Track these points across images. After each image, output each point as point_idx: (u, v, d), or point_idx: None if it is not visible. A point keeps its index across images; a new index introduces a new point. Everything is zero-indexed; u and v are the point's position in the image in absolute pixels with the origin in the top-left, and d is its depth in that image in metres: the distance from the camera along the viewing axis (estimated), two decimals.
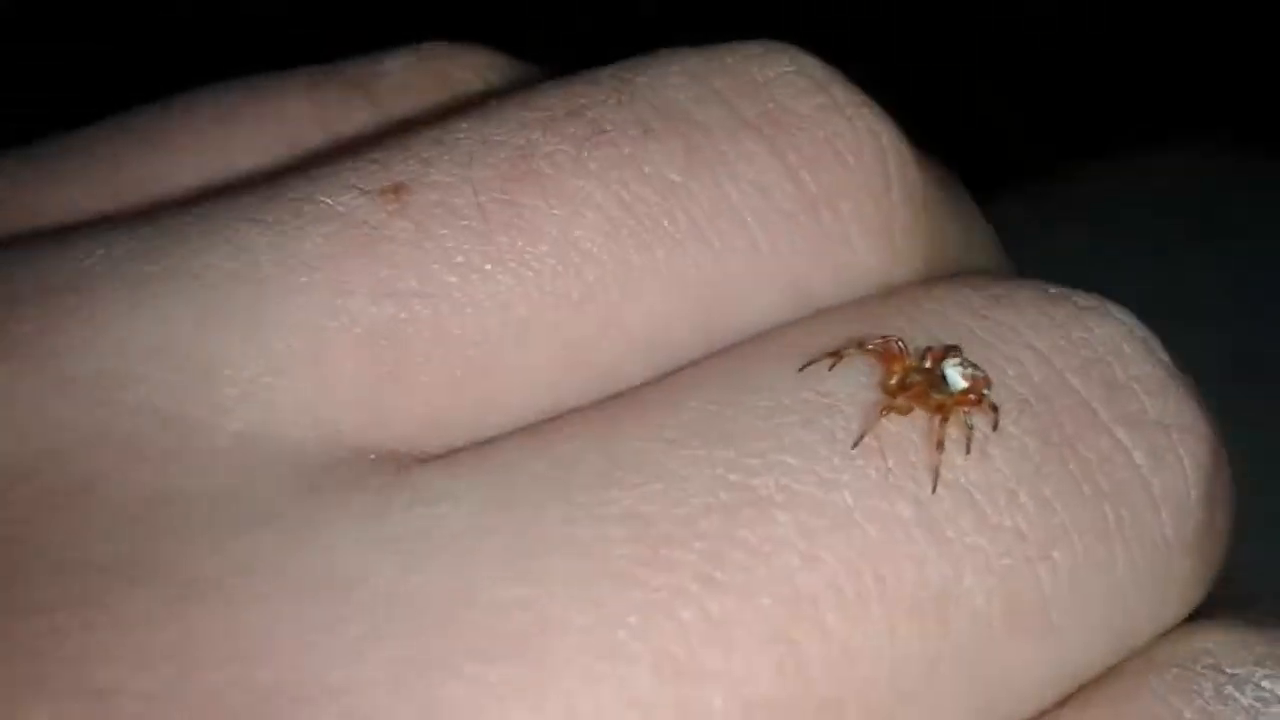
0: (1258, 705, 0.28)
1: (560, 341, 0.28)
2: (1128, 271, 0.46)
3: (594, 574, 0.25)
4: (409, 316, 0.27)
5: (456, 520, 0.25)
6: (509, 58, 0.36)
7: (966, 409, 0.27)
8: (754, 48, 0.31)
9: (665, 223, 0.29)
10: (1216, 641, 0.29)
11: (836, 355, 0.28)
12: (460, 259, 0.28)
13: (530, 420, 0.28)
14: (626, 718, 0.24)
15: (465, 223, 0.28)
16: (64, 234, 0.30)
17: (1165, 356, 0.29)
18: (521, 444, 0.27)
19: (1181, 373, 0.29)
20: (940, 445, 0.27)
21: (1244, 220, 0.69)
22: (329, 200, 0.28)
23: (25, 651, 0.24)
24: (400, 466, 0.26)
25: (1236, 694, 0.28)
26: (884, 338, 0.28)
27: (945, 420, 0.27)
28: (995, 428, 0.27)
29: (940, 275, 0.31)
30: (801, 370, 0.27)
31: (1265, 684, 0.28)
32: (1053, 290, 0.30)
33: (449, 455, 0.27)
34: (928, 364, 0.28)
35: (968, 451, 0.27)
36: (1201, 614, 0.29)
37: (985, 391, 0.27)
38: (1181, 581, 0.28)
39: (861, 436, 0.26)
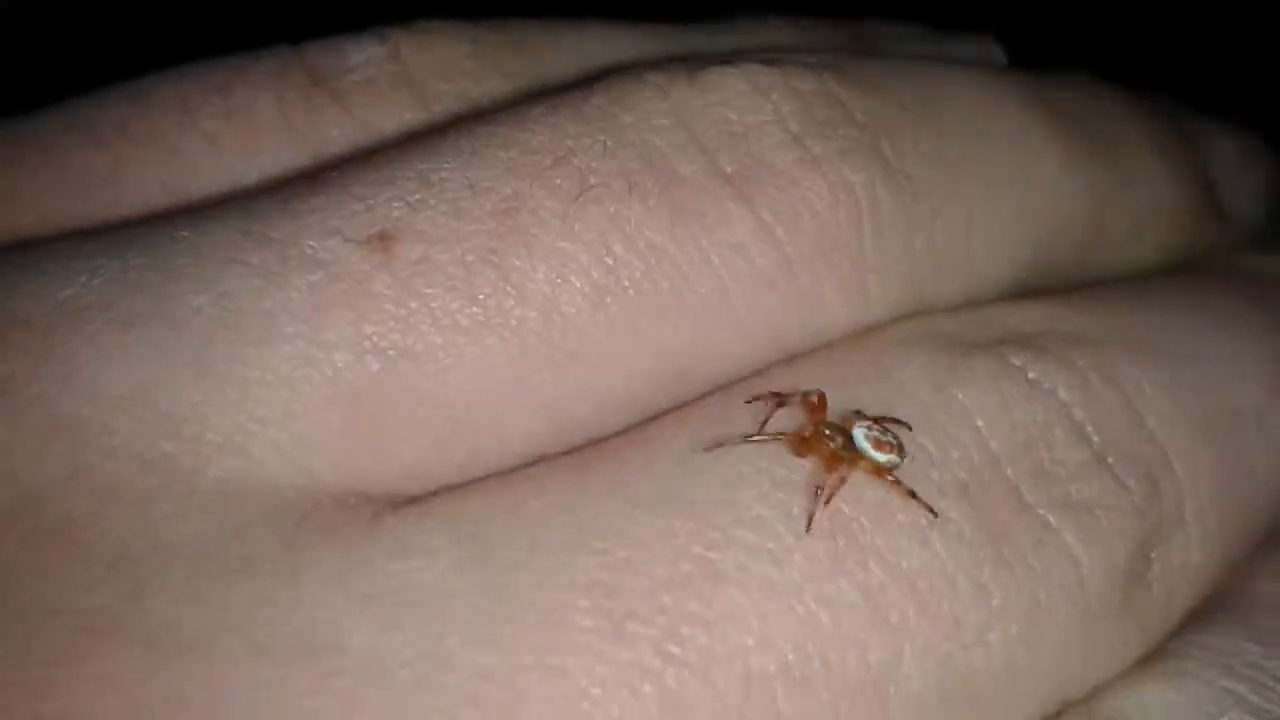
0: None
1: (542, 402, 0.29)
2: None
3: (561, 646, 0.25)
4: (393, 375, 0.27)
5: (430, 577, 0.25)
6: (495, 33, 0.35)
7: (882, 478, 0.28)
8: (738, 85, 0.31)
9: (648, 288, 0.29)
10: (1153, 699, 0.30)
11: (756, 398, 0.29)
12: (446, 320, 0.28)
13: (507, 467, 0.28)
14: None
15: (452, 282, 0.28)
16: (40, 252, 0.29)
17: (1098, 437, 0.30)
18: (494, 498, 0.27)
19: (1118, 445, 0.30)
20: (822, 495, 0.27)
21: None
22: (314, 245, 0.28)
23: (17, 711, 0.24)
24: (376, 513, 0.26)
25: None
26: (803, 394, 0.29)
27: (835, 475, 0.28)
28: (935, 515, 0.28)
29: (917, 311, 0.32)
30: (708, 450, 0.27)
31: None
32: (1014, 360, 0.30)
33: (424, 501, 0.27)
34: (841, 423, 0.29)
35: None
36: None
37: (897, 462, 0.28)
38: (1113, 645, 0.30)
39: (810, 520, 0.27)
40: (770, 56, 0.32)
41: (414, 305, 0.27)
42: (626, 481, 0.27)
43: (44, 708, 0.23)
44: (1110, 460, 0.30)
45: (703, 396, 0.29)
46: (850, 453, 0.28)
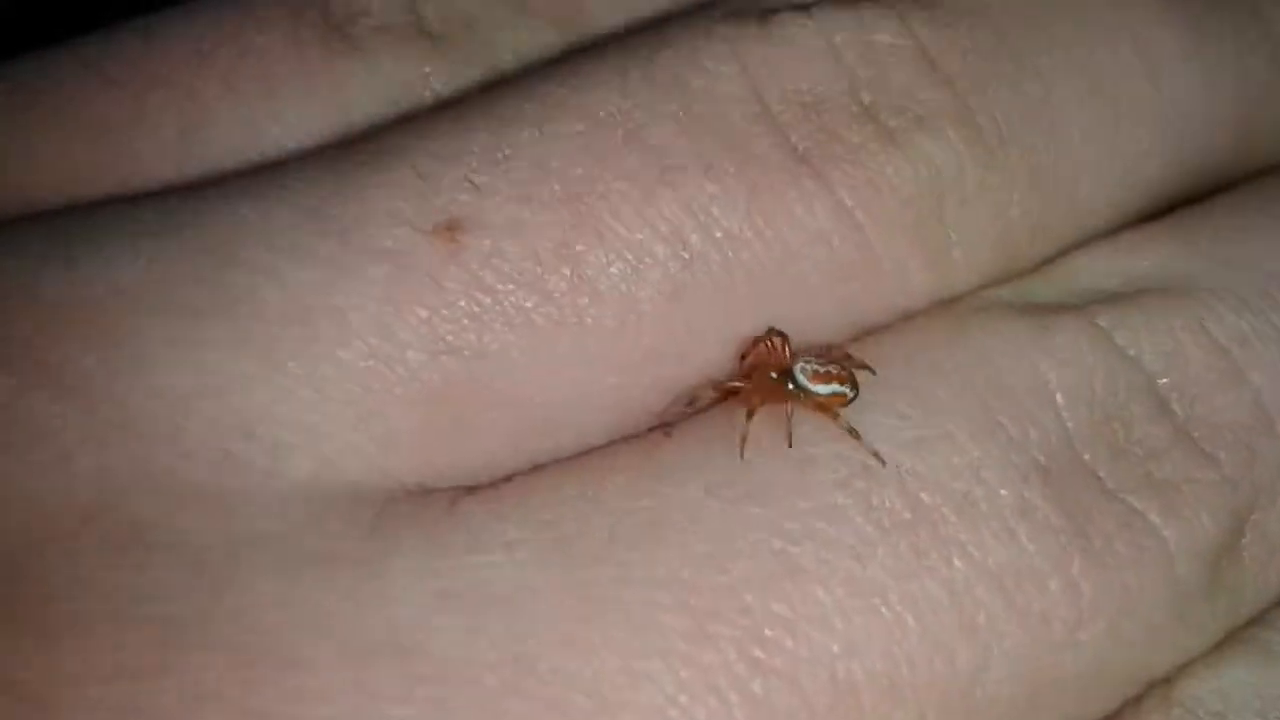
0: None
1: (616, 399, 0.28)
2: None
3: (645, 650, 0.25)
4: (468, 375, 0.27)
5: (511, 573, 0.25)
6: None
7: (827, 414, 0.27)
8: (811, 42, 0.29)
9: (725, 280, 0.28)
10: (1233, 680, 0.29)
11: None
12: (520, 319, 0.27)
13: (579, 451, 0.27)
14: None
15: (524, 278, 0.27)
16: (89, 222, 0.28)
17: (1184, 408, 0.29)
18: (568, 486, 0.26)
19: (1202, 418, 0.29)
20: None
21: None
22: (381, 234, 0.27)
23: None
24: (453, 500, 0.26)
25: None
26: (756, 340, 0.28)
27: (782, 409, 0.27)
28: (883, 462, 0.26)
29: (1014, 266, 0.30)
30: (666, 416, 0.27)
31: None
32: (1101, 322, 0.29)
33: (498, 488, 0.26)
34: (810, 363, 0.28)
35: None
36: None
37: (843, 393, 0.27)
38: (1202, 622, 0.28)
39: (741, 445, 0.26)
40: None
41: (487, 302, 0.26)
42: (700, 466, 0.26)
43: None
44: (1196, 434, 0.28)
45: None
46: (793, 391, 0.27)
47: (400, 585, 0.24)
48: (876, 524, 0.26)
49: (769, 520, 0.25)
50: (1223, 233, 0.31)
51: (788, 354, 0.27)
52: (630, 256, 0.27)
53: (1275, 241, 0.31)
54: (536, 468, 0.27)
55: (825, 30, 0.29)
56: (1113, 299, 0.29)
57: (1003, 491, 0.26)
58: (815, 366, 0.27)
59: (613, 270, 0.27)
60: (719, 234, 0.27)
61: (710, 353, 0.28)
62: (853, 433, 0.26)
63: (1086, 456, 0.27)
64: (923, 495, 0.26)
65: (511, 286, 0.26)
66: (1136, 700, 0.28)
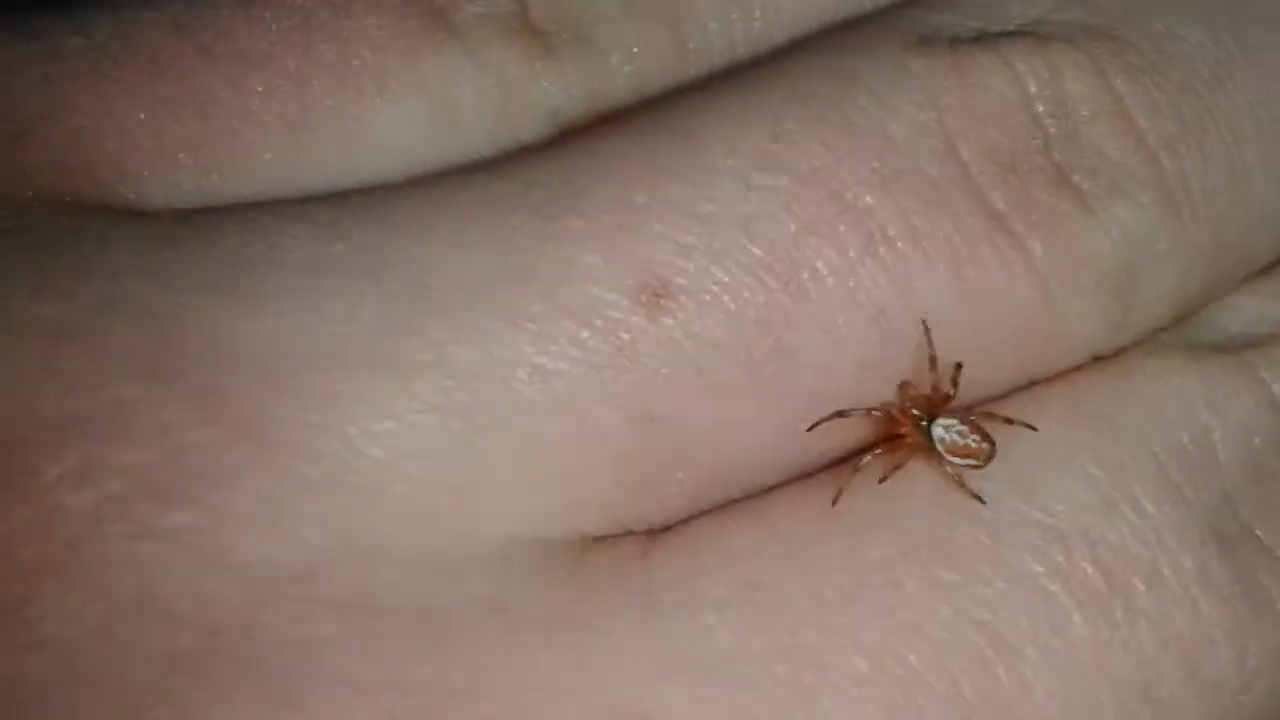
0: None
1: (800, 457, 0.27)
2: None
3: None
4: (663, 440, 0.26)
5: (726, 637, 0.25)
6: None
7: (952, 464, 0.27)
8: (1005, 92, 0.28)
9: (919, 353, 0.27)
10: None
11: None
12: (717, 390, 0.26)
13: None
14: None
15: (725, 350, 0.26)
16: (273, 255, 0.26)
17: None
18: (763, 537, 0.26)
19: None
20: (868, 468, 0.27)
21: None
22: (583, 296, 0.25)
23: None
24: (644, 551, 0.26)
25: None
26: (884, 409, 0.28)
27: (893, 458, 0.27)
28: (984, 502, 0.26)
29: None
30: (810, 430, 0.27)
31: None
32: (1262, 374, 0.29)
33: (689, 536, 0.26)
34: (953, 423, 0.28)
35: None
36: None
37: (975, 464, 0.27)
38: None
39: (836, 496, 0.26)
40: (1041, 32, 0.29)
41: (688, 372, 0.26)
42: (890, 525, 0.26)
43: None
44: None
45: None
46: (926, 442, 0.27)
47: (623, 649, 0.24)
48: (1072, 595, 0.26)
49: (966, 589, 0.25)
50: None
51: (942, 396, 0.28)
52: (832, 334, 0.27)
53: None
54: (719, 510, 0.27)
55: (1020, 77, 0.28)
56: (1263, 343, 0.30)
57: (1185, 560, 0.26)
58: (956, 437, 0.27)
59: (815, 341, 0.26)
60: (921, 311, 0.27)
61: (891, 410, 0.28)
62: (976, 497, 0.26)
63: (1245, 512, 0.28)
64: (1114, 565, 0.26)
65: (713, 355, 0.26)
66: None
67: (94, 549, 0.23)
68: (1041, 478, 0.27)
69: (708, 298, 0.26)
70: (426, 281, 0.26)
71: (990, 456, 0.27)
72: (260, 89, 0.29)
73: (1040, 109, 0.28)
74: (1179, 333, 0.30)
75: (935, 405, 0.27)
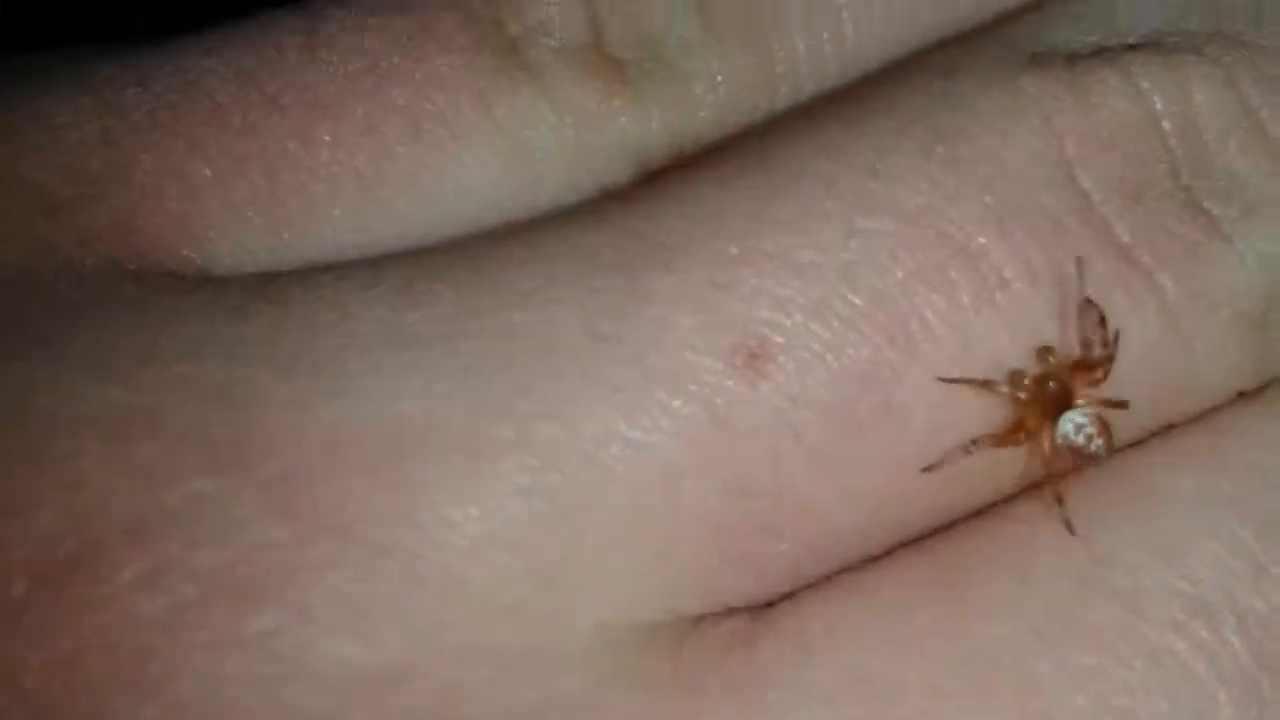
0: None
1: (902, 522, 0.26)
2: None
3: None
4: (762, 514, 0.25)
5: None
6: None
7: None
8: (1128, 113, 0.27)
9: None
10: None
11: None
12: (821, 453, 0.25)
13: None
14: None
15: (830, 411, 0.25)
16: (345, 325, 0.25)
17: None
18: (874, 622, 0.25)
19: None
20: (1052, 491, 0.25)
21: None
22: (677, 363, 0.25)
23: None
24: (747, 638, 0.25)
25: None
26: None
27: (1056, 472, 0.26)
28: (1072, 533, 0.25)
29: None
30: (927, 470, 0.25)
31: None
32: None
33: (797, 620, 0.25)
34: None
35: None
36: None
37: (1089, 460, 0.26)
38: None
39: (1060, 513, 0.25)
40: (1166, 43, 0.27)
41: (788, 440, 0.24)
42: (1014, 602, 0.24)
43: None
44: None
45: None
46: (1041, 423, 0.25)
47: None
48: (1218, 673, 0.24)
49: (1103, 673, 0.24)
50: None
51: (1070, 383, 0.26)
52: (943, 394, 0.25)
53: None
54: (828, 585, 0.25)
55: (1144, 95, 0.26)
56: None
57: None
58: (1082, 440, 0.26)
59: (921, 405, 0.25)
60: (1040, 349, 0.25)
61: (1002, 478, 0.26)
62: (1069, 526, 0.25)
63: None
64: (1264, 639, 0.24)
65: (815, 419, 0.24)
66: None
67: (167, 660, 0.22)
68: (1183, 539, 0.25)
69: (808, 356, 0.24)
70: (508, 351, 0.24)
71: (1099, 461, 0.26)
72: (329, 139, 0.27)
73: (1167, 128, 0.26)
74: None
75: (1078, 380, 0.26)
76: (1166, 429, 0.27)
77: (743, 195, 0.26)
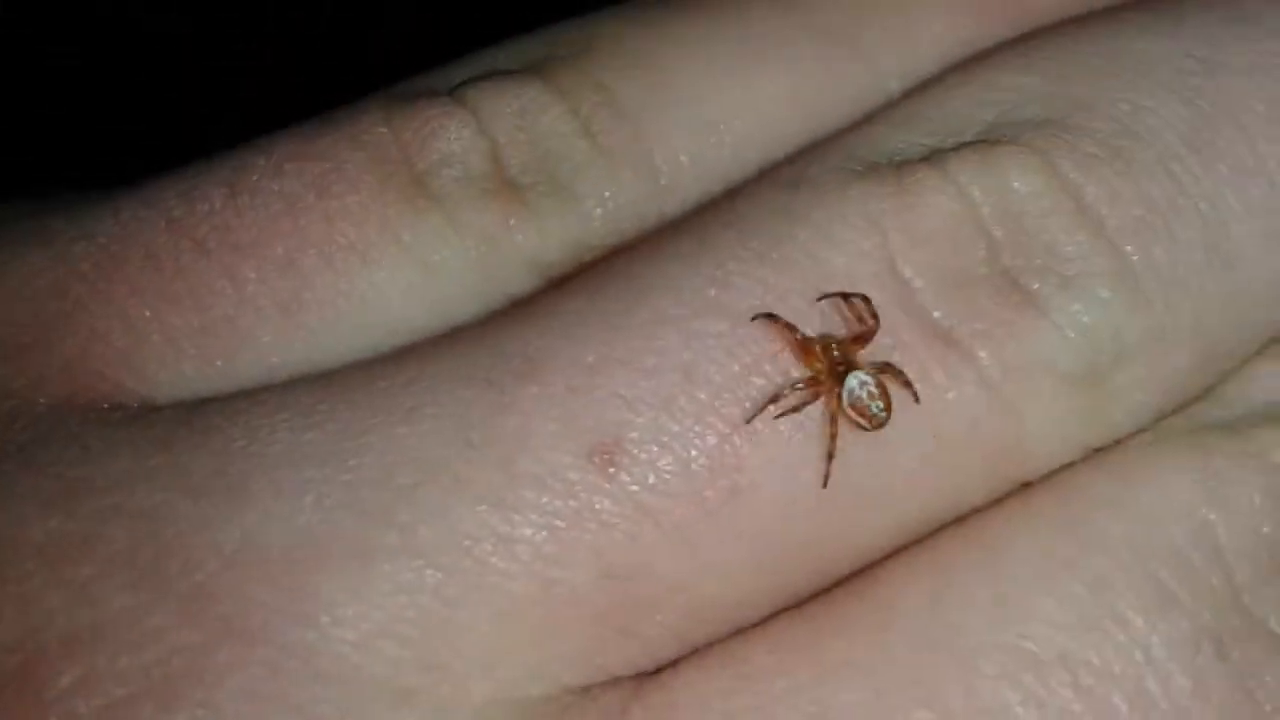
0: None
1: (775, 589, 0.28)
2: None
3: None
4: (633, 592, 0.27)
5: None
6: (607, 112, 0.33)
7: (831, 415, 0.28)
8: (947, 208, 0.29)
9: (877, 474, 0.28)
10: None
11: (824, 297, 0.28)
12: (680, 534, 0.27)
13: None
14: None
15: (680, 498, 0.27)
16: (253, 449, 0.28)
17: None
18: (740, 693, 0.27)
19: None
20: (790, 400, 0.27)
21: None
22: (538, 464, 0.27)
23: None
24: (625, 703, 0.27)
25: None
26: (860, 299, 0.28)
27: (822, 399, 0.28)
28: (824, 485, 0.27)
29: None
30: (748, 422, 0.27)
31: None
32: (1275, 457, 0.28)
33: (668, 686, 0.27)
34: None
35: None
36: None
37: (864, 425, 0.28)
38: None
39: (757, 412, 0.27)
40: (991, 137, 0.29)
41: (647, 526, 0.27)
42: (866, 665, 0.26)
43: None
44: None
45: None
46: (831, 384, 0.27)
47: None
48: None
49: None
50: None
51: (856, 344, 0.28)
52: (787, 458, 0.27)
53: None
54: (703, 654, 0.28)
55: (962, 189, 0.29)
56: (1275, 421, 0.29)
57: (1175, 671, 0.26)
58: (864, 395, 0.28)
59: (769, 472, 0.27)
60: (874, 434, 0.28)
61: (862, 540, 0.28)
62: (830, 457, 0.27)
63: (1256, 608, 0.27)
64: (1095, 687, 0.26)
65: (669, 504, 0.27)
66: None
67: None
68: (1021, 597, 0.26)
69: (657, 449, 0.27)
70: (392, 464, 0.27)
71: (881, 425, 0.28)
72: (253, 275, 0.31)
73: (986, 214, 0.28)
74: (1189, 413, 0.29)
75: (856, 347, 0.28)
76: (1024, 487, 0.28)
77: (602, 307, 0.28)
